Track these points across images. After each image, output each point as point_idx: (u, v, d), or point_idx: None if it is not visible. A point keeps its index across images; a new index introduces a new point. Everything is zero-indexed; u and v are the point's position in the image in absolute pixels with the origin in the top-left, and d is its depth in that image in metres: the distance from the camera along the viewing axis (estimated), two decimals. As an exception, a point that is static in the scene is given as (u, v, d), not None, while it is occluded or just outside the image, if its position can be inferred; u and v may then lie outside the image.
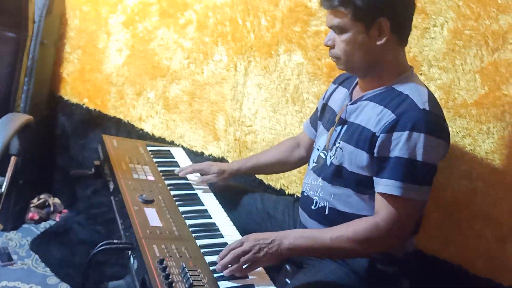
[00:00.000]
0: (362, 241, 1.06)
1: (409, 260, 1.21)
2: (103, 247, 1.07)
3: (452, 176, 1.38)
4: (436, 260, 1.42)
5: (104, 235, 2.10)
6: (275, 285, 1.05)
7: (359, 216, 1.11)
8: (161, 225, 1.17)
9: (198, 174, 1.47)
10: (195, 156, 1.92)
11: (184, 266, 1.00)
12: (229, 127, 1.85)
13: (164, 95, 1.99)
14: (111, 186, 1.37)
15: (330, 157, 1.22)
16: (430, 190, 1.09)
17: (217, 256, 1.09)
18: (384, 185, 1.06)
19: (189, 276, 0.97)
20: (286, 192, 1.75)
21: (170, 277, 0.96)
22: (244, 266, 1.04)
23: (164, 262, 1.01)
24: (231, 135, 1.85)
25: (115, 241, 1.09)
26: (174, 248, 1.08)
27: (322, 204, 1.21)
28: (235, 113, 1.82)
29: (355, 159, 1.13)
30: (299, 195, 1.74)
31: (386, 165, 1.06)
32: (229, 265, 1.04)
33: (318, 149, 1.29)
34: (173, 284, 0.94)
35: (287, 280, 1.30)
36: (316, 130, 1.40)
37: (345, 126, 1.19)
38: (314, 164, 1.28)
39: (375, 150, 1.08)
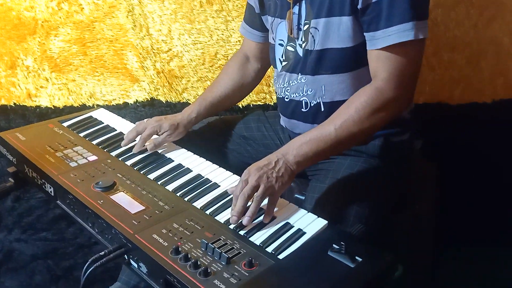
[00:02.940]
0: (369, 116, 0.89)
1: (414, 118, 1.10)
2: (92, 267, 0.80)
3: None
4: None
5: (55, 239, 1.78)
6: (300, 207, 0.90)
7: None
8: (143, 207, 0.91)
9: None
10: (119, 110, 1.59)
11: (205, 241, 0.79)
12: (144, 62, 1.52)
13: (46, 55, 1.56)
14: (50, 190, 1.05)
15: (301, 45, 1.00)
16: None
17: (229, 210, 0.89)
18: (387, 36, 0.88)
19: (218, 250, 0.77)
20: (240, 106, 1.53)
21: (199, 262, 0.75)
22: (262, 204, 0.86)
23: (180, 249, 0.78)
24: (151, 70, 1.53)
25: (102, 253, 0.82)
26: (177, 226, 0.85)
27: (315, 102, 1.02)
28: (145, 42, 1.48)
29: (337, 31, 0.93)
30: (261, 103, 1.55)
31: (380, 12, 0.87)
32: (247, 212, 0.85)
33: (281, 44, 1.06)
34: (209, 270, 0.74)
35: (298, 196, 1.15)
36: (259, 29, 1.15)
37: (305, 1, 0.96)
38: (284, 63, 1.06)
39: (359, 1, 0.88)
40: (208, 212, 0.91)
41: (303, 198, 1.09)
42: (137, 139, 1.14)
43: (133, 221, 0.87)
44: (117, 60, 1.53)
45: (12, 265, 1.71)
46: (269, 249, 0.79)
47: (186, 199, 0.95)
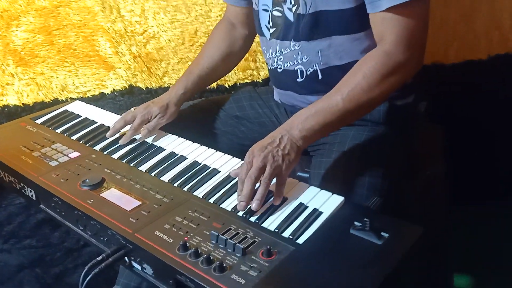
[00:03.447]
0: (379, 83, 0.82)
1: (417, 79, 1.04)
2: (90, 275, 0.71)
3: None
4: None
5: (40, 245, 1.67)
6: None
7: None
8: (139, 202, 0.83)
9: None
10: (96, 101, 1.48)
11: (215, 232, 0.71)
12: (118, 46, 1.40)
13: (9, 49, 1.43)
14: (31, 194, 0.95)
15: (291, 9, 0.91)
16: None
17: (234, 196, 0.82)
18: None
19: (231, 241, 0.69)
20: (226, 85, 1.44)
21: (211, 257, 0.67)
22: (270, 185, 0.78)
23: (188, 245, 0.70)
24: (126, 55, 1.42)
25: (99, 258, 0.74)
26: (180, 219, 0.77)
27: (311, 70, 0.94)
28: (117, 25, 1.37)
29: None
30: (248, 81, 1.46)
31: None
32: (255, 196, 0.77)
33: (266, 10, 0.97)
34: (224, 264, 0.66)
35: (301, 174, 1.08)
36: None
37: None
38: (272, 30, 0.97)
39: None
40: (211, 200, 0.82)
41: (307, 175, 1.02)
42: (125, 129, 1.04)
43: (131, 218, 0.78)
44: (88, 47, 1.41)
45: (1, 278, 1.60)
46: (286, 234, 0.72)
47: (185, 189, 0.86)
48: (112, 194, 0.85)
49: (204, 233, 0.73)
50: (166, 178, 0.90)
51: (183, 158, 0.96)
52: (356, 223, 0.72)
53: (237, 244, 0.68)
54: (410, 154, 0.99)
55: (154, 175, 0.91)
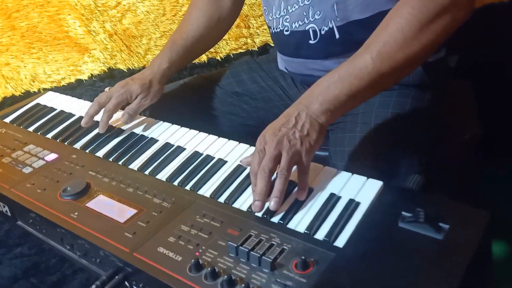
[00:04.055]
0: (418, 34, 0.64)
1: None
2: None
3: None
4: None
5: (33, 253, 1.53)
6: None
7: (386, 14, 0.70)
8: (134, 210, 0.68)
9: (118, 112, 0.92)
10: (73, 90, 1.31)
11: (233, 244, 0.57)
12: (90, 24, 1.22)
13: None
14: (4, 209, 0.80)
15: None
16: None
17: (248, 192, 0.67)
18: None
19: (255, 254, 0.55)
20: (218, 58, 1.28)
21: (233, 277, 0.53)
22: (290, 175, 0.64)
23: (202, 262, 0.56)
24: (100, 34, 1.24)
25: (93, 286, 0.59)
26: (187, 228, 0.63)
27: (326, 28, 0.78)
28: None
29: None
30: (242, 51, 1.29)
31: None
32: (273, 192, 0.63)
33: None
34: (251, 286, 0.52)
35: (318, 153, 0.94)
36: None
37: None
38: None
39: None
40: (221, 199, 0.68)
41: (326, 154, 0.87)
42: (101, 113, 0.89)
43: (126, 233, 0.64)
44: (55, 28, 1.22)
45: (-9, 292, 1.47)
46: (319, 235, 0.58)
47: (187, 187, 0.72)
48: (100, 203, 0.71)
49: (219, 244, 0.59)
50: (163, 176, 0.75)
51: (180, 150, 0.81)
52: (404, 213, 0.58)
53: (263, 257, 0.54)
54: (445, 118, 0.84)
55: (149, 173, 0.77)
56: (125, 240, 0.62)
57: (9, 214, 0.80)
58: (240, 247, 0.56)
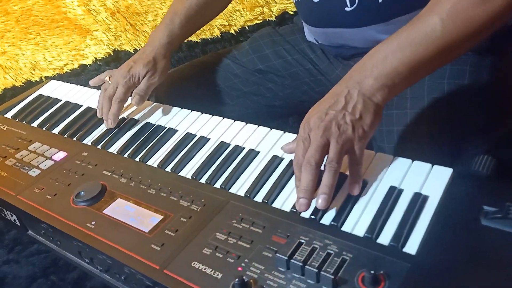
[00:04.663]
0: None
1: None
2: None
3: None
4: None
5: (47, 251, 1.47)
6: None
7: None
8: (160, 217, 0.59)
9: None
10: (77, 76, 1.20)
11: (282, 256, 0.48)
12: (90, 3, 1.10)
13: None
14: (12, 218, 0.71)
15: None
16: None
17: (290, 188, 0.58)
18: None
19: (311, 269, 0.46)
20: (232, 32, 1.16)
21: (287, 297, 0.44)
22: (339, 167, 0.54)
23: (247, 280, 0.47)
24: (102, 13, 1.12)
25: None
26: (223, 237, 0.53)
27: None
28: (82, -26, 1.06)
29: None
30: (258, 22, 1.17)
31: None
32: (321, 188, 0.53)
33: None
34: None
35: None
36: None
37: None
38: None
39: None
40: (258, 199, 0.58)
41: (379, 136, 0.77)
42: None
43: (153, 245, 0.55)
44: (52, 10, 1.11)
45: (9, 290, 1.41)
46: (384, 239, 0.49)
47: (217, 185, 0.62)
48: (119, 209, 0.62)
49: (264, 255, 0.50)
50: (187, 173, 0.66)
51: (204, 141, 0.71)
52: (486, 207, 0.48)
53: (322, 272, 0.45)
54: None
55: (171, 170, 0.67)
56: (152, 255, 0.53)
57: (18, 223, 0.71)
58: (292, 260, 0.47)
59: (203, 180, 0.64)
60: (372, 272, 0.44)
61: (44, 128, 0.85)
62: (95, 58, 1.19)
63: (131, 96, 0.80)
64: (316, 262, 0.47)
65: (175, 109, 0.80)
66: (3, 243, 1.49)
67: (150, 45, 0.82)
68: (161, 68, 0.81)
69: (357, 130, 0.54)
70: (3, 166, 0.76)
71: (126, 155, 0.73)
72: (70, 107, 0.89)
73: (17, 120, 0.90)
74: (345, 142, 0.54)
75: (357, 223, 0.52)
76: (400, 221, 0.50)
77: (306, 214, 0.54)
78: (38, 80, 1.23)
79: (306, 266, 0.46)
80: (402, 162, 0.57)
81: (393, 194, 0.53)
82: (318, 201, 0.53)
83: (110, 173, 0.69)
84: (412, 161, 0.57)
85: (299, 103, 0.87)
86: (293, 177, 0.59)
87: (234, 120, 0.73)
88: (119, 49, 1.18)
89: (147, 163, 0.70)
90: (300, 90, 0.86)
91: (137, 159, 0.71)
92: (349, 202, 0.54)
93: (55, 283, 1.39)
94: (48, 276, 1.39)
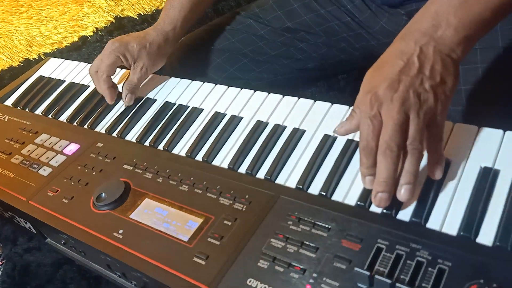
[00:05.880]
0: None
1: None
2: None
3: None
4: None
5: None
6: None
7: None
8: (199, 220, 0.49)
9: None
10: (78, 50, 1.09)
11: (363, 272, 0.38)
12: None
13: None
14: (27, 225, 0.63)
15: None
16: None
17: (351, 176, 0.48)
18: None
19: (402, 287, 0.37)
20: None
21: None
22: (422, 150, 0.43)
23: (320, 302, 0.38)
24: (97, -25, 0.98)
25: None
26: (280, 244, 0.44)
27: None
28: None
29: None
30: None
31: None
32: (403, 177, 0.43)
33: None
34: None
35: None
36: None
37: None
38: None
39: None
40: (314, 191, 0.49)
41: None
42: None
43: (195, 258, 0.46)
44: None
45: (35, 283, 1.37)
46: (485, 239, 0.39)
47: (260, 176, 0.52)
48: (148, 212, 0.52)
49: (336, 267, 0.40)
50: (223, 162, 0.56)
51: (237, 120, 0.60)
52: None
53: (418, 290, 0.36)
54: None
55: (202, 159, 0.57)
56: (198, 271, 0.44)
57: (34, 231, 0.63)
58: (377, 276, 0.37)
59: (242, 170, 0.54)
60: (482, 281, 0.34)
61: (49, 116, 0.75)
62: (95, 28, 1.06)
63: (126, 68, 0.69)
64: (406, 275, 0.37)
65: (196, 83, 0.69)
66: (22, 231, 1.44)
67: (153, 30, 0.71)
68: (156, 56, 0.69)
69: (440, 97, 0.43)
70: (9, 165, 0.67)
71: (147, 143, 0.63)
72: (76, 89, 0.78)
73: (18, 108, 0.80)
74: (427, 115, 0.43)
75: (446, 217, 0.42)
76: (501, 213, 0.40)
77: (377, 209, 0.44)
78: (37, 58, 1.12)
79: (397, 285, 0.36)
80: (491, 134, 0.46)
81: (488, 177, 0.43)
82: (401, 192, 0.43)
83: (131, 167, 0.59)
84: (504, 131, 0.46)
85: (336, 63, 0.76)
86: (353, 162, 0.48)
87: (269, 93, 0.62)
88: (121, 15, 1.05)
89: (173, 152, 0.60)
90: (338, 48, 0.73)
91: (160, 147, 0.61)
92: (431, 191, 0.44)
93: (82, 269, 1.34)
94: (73, 262, 1.35)
